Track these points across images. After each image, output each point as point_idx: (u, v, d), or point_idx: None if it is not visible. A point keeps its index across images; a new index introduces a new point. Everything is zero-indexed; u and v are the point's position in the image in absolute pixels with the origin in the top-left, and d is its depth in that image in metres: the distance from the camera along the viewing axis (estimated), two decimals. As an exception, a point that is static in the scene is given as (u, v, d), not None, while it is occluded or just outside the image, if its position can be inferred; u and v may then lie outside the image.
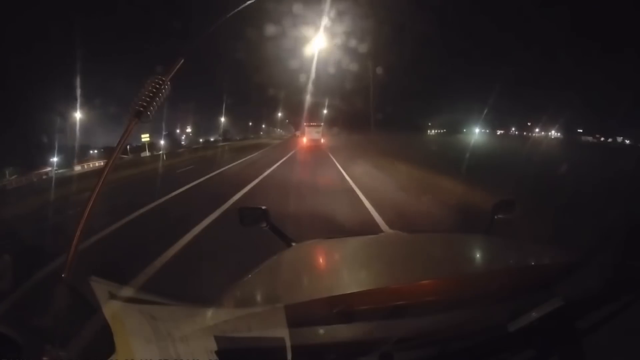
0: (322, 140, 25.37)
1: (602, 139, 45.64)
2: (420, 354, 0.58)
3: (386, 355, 0.55)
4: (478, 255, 1.20)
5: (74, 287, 0.62)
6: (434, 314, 0.63)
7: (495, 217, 1.36)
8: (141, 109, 0.65)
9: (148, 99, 0.65)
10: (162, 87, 0.66)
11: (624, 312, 0.67)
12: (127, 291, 0.65)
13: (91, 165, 26.60)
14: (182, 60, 0.71)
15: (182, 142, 45.78)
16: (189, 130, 49.11)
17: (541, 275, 0.76)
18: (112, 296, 0.60)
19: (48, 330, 0.57)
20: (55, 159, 22.56)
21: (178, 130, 48.62)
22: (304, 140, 25.41)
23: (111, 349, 0.53)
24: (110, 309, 0.57)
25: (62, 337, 0.56)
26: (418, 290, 0.72)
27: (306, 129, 26.32)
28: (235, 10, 0.83)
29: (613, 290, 0.69)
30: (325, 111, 35.60)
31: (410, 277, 0.86)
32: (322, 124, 27.84)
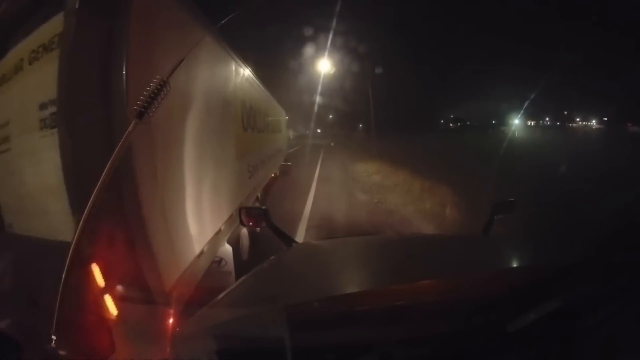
0: None
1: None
2: (420, 354, 0.58)
3: (386, 355, 0.55)
4: (477, 256, 1.20)
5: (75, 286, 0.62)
6: (434, 314, 0.63)
7: (496, 217, 1.36)
8: (142, 109, 0.65)
9: (149, 100, 0.65)
10: (163, 87, 0.66)
11: (624, 312, 0.66)
12: (128, 292, 0.65)
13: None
14: (183, 60, 0.71)
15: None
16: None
17: (541, 275, 0.76)
18: (113, 296, 0.60)
19: (48, 330, 0.57)
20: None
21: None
22: None
23: (111, 349, 0.53)
24: (110, 309, 0.57)
25: (62, 337, 0.56)
26: (417, 291, 0.72)
27: None
28: (231, 16, 0.84)
29: (613, 290, 0.69)
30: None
31: (409, 277, 0.86)
32: None
